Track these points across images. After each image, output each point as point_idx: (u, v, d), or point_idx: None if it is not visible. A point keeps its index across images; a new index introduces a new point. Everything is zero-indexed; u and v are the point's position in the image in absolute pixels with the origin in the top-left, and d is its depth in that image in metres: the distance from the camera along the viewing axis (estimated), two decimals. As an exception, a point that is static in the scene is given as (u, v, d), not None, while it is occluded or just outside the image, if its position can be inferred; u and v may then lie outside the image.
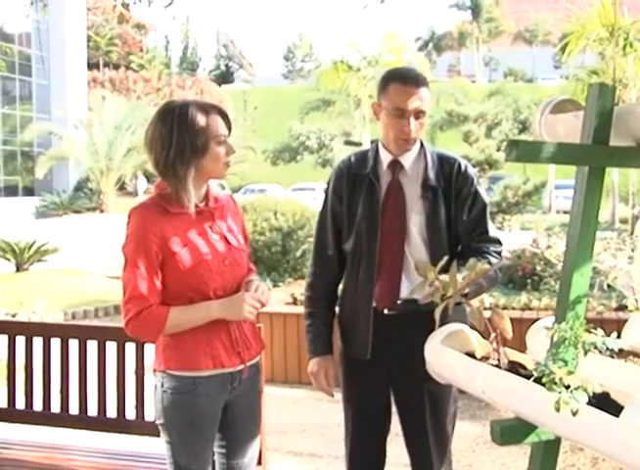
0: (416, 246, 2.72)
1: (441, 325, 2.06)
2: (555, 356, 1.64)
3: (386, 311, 2.72)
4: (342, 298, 2.89)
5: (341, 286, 2.93)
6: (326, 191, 2.94)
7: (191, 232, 2.39)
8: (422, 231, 2.73)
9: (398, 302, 2.70)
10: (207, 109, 2.39)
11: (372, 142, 2.91)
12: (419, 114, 2.69)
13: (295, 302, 6.66)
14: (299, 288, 7.16)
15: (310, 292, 2.92)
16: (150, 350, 2.69)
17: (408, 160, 2.80)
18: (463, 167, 2.79)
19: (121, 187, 32.74)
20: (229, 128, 2.45)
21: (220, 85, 56.82)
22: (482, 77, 72.96)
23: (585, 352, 1.63)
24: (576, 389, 1.52)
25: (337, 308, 2.94)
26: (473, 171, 2.83)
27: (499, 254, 2.76)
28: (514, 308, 6.22)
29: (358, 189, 2.80)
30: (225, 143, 2.41)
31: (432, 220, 2.72)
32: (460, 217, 2.76)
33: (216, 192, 2.54)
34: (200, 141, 2.35)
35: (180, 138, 2.33)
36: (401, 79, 2.70)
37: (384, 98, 2.73)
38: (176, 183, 2.36)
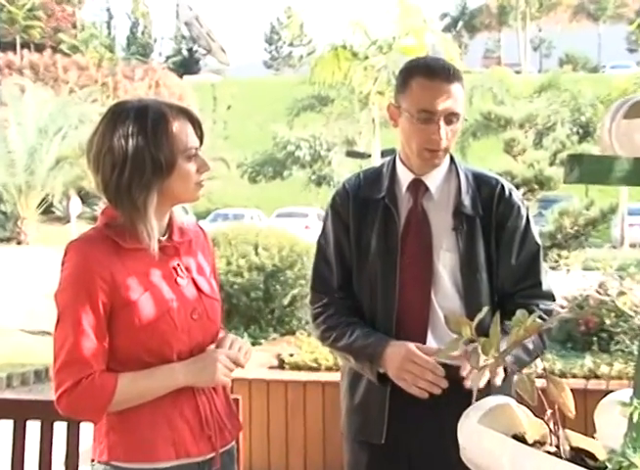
0: (446, 293, 2.75)
1: (480, 398, 2.08)
2: (635, 443, 1.64)
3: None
4: (349, 366, 2.90)
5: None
6: (325, 220, 2.96)
7: (151, 275, 2.40)
8: (454, 274, 2.76)
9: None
10: (174, 112, 2.41)
11: (383, 154, 2.96)
12: (451, 117, 2.73)
13: (282, 365, 6.65)
14: (288, 347, 7.15)
15: (326, 323, 2.89)
16: (87, 431, 2.69)
17: (435, 180, 2.84)
18: (507, 192, 2.83)
19: (47, 210, 32.67)
20: (201, 138, 2.48)
21: (182, 76, 57.10)
22: (531, 66, 73.39)
23: (675, 437, 1.64)
24: (664, 486, 1.53)
25: (340, 376, 2.96)
26: (519, 198, 2.88)
27: (550, 313, 2.79)
28: (575, 376, 6.22)
29: (370, 218, 2.83)
30: (196, 157, 2.43)
31: (467, 260, 2.76)
32: (505, 260, 2.79)
33: (181, 221, 2.55)
34: (164, 156, 2.36)
35: (138, 153, 2.34)
36: (427, 72, 2.74)
37: (404, 97, 2.77)
38: (132, 213, 2.36)
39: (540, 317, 2.67)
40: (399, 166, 2.87)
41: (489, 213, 2.80)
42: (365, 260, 2.83)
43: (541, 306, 2.77)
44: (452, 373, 2.70)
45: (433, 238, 2.78)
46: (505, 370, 2.43)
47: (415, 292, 2.75)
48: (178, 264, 2.47)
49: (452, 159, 2.89)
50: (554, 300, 2.86)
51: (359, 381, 2.85)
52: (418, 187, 2.83)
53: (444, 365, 2.70)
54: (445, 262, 2.77)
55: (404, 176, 2.86)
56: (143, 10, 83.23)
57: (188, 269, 2.49)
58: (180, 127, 2.40)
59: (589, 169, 1.70)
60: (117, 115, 2.39)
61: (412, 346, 2.65)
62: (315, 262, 2.99)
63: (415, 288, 2.75)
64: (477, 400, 2.06)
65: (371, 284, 2.81)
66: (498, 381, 2.36)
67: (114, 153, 2.35)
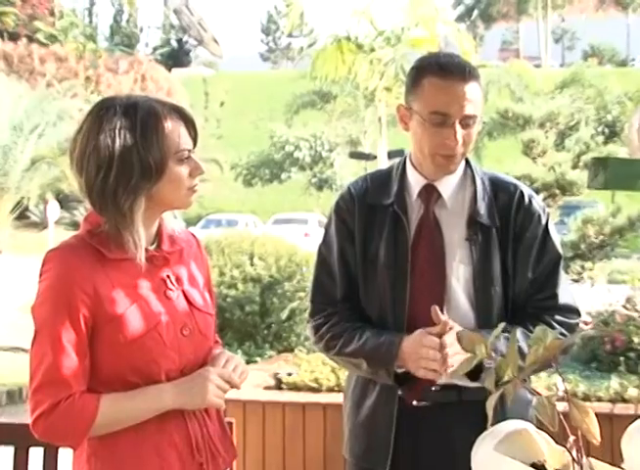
0: (460, 309, 2.77)
1: (495, 423, 2.08)
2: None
3: (415, 403, 2.75)
4: (354, 385, 2.93)
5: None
6: (328, 226, 2.97)
7: (137, 288, 2.40)
8: (468, 288, 2.78)
9: (433, 388, 2.75)
10: (166, 111, 2.41)
11: (390, 155, 2.98)
12: (467, 120, 2.74)
13: (279, 385, 6.63)
14: (286, 365, 7.14)
15: (331, 331, 2.89)
16: (67, 457, 2.69)
17: (448, 186, 2.85)
18: (526, 199, 2.84)
19: (22, 215, 32.63)
20: (194, 139, 2.48)
21: (170, 69, 57.16)
22: (552, 60, 73.46)
23: None
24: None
25: (343, 396, 2.97)
26: (540, 205, 2.89)
27: (567, 326, 2.79)
28: (600, 399, 6.21)
29: (377, 226, 2.84)
30: (190, 160, 2.43)
31: (481, 273, 2.77)
32: (522, 272, 2.81)
33: (171, 228, 2.55)
34: (154, 158, 2.36)
35: (125, 154, 2.34)
36: (440, 71, 2.75)
37: (415, 99, 2.78)
38: (118, 219, 2.36)
39: (562, 334, 2.69)
40: (410, 170, 2.89)
41: (507, 223, 2.81)
42: (372, 272, 2.84)
43: (557, 317, 2.78)
44: (465, 395, 2.71)
45: (445, 249, 2.80)
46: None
47: (426, 307, 2.74)
48: (168, 276, 2.47)
49: (468, 162, 2.91)
50: (578, 315, 2.86)
51: (365, 399, 2.87)
52: (430, 193, 2.85)
53: (456, 387, 2.71)
54: (459, 275, 2.79)
55: (415, 181, 2.87)
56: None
57: (179, 281, 2.49)
58: (172, 127, 2.40)
59: (615, 174, 1.70)
60: (104, 112, 2.39)
61: (422, 331, 2.67)
62: (316, 273, 3.00)
63: (426, 302, 2.74)
64: (492, 425, 2.07)
65: (379, 297, 2.83)
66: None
67: (99, 153, 2.34)
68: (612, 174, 1.68)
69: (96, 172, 2.35)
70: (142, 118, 2.36)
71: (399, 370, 2.74)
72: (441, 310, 2.74)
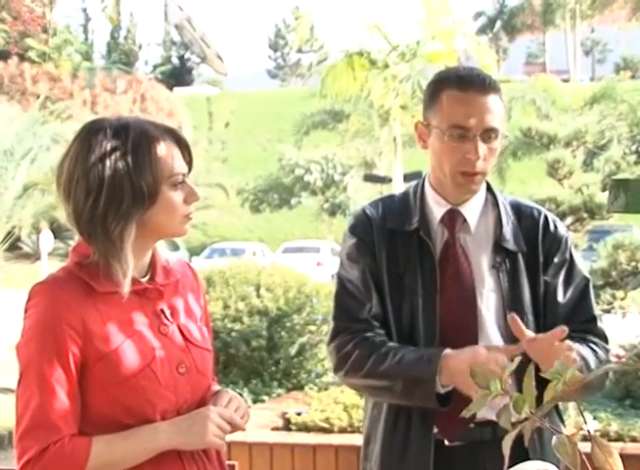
0: (490, 341, 2.78)
1: (514, 464, 2.08)
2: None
3: (447, 443, 2.77)
4: (382, 426, 2.88)
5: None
6: (345, 249, 2.96)
7: (129, 323, 2.40)
8: (498, 318, 2.81)
9: (471, 425, 2.76)
10: (158, 132, 2.43)
11: (405, 178, 3.00)
12: (489, 133, 2.77)
13: (287, 425, 6.64)
14: (295, 404, 7.15)
15: (358, 348, 2.81)
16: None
17: (473, 210, 2.88)
18: (551, 224, 2.89)
19: (13, 246, 32.68)
20: (189, 163, 2.49)
21: (172, 88, 57.39)
22: (581, 74, 73.37)
23: None
24: None
25: (363, 439, 2.96)
26: (565, 230, 2.93)
27: (608, 357, 2.82)
28: (635, 440, 6.19)
29: (401, 253, 2.85)
30: (184, 185, 2.44)
31: (511, 301, 2.80)
32: (553, 299, 2.83)
33: (166, 258, 2.55)
34: (146, 183, 2.37)
35: (116, 178, 2.35)
36: (460, 83, 2.79)
37: (433, 113, 2.82)
38: (107, 247, 2.36)
39: (600, 350, 2.72)
40: (430, 194, 2.91)
41: (534, 249, 2.85)
42: (398, 298, 2.84)
43: (600, 343, 2.82)
44: (501, 432, 2.70)
45: (474, 276, 2.83)
46: None
47: (459, 339, 2.75)
48: (162, 310, 2.46)
49: (489, 186, 2.93)
50: (607, 341, 2.89)
51: (393, 441, 2.83)
52: (454, 219, 2.88)
53: (491, 423, 2.70)
54: (489, 304, 2.82)
55: (437, 206, 2.89)
56: (125, 11, 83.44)
57: (174, 315, 2.49)
58: (165, 150, 2.41)
59: (638, 196, 1.70)
60: (93, 134, 2.40)
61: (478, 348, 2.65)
62: (337, 298, 2.95)
63: (459, 335, 2.77)
64: (511, 466, 2.07)
65: (408, 333, 2.82)
66: None
67: (88, 178, 2.36)
68: (634, 197, 1.68)
69: (85, 198, 2.36)
70: (134, 141, 2.38)
71: (443, 390, 2.69)
72: (476, 343, 2.75)
